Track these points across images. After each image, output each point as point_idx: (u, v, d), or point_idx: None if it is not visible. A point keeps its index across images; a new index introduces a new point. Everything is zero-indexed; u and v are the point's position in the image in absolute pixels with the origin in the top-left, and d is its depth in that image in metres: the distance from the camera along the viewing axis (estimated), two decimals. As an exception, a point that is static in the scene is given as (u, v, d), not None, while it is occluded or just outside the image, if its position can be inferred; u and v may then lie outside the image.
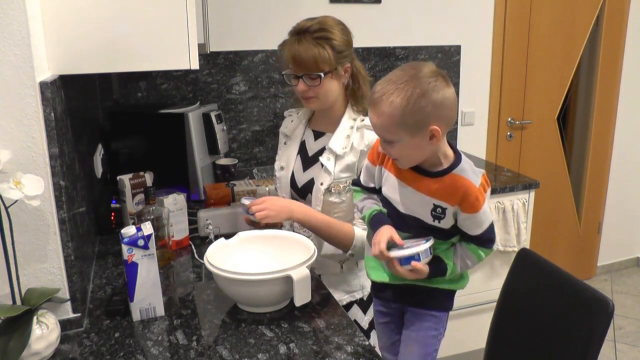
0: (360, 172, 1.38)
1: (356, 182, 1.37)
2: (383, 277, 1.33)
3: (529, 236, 2.45)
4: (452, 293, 1.32)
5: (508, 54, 2.91)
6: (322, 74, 1.44)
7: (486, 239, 1.20)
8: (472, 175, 1.16)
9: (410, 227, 1.20)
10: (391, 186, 1.24)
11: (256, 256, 1.36)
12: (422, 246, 1.14)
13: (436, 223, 1.18)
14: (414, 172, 1.20)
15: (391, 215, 1.24)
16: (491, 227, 1.20)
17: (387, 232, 1.19)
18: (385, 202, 1.26)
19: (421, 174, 1.19)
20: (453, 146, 1.21)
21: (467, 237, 1.21)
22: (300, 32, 1.45)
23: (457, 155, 1.19)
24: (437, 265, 1.20)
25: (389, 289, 1.35)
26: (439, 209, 1.17)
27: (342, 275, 1.60)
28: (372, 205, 1.29)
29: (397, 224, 1.22)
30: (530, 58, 2.98)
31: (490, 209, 1.25)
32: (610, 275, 3.59)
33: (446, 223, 1.18)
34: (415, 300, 1.32)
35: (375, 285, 1.37)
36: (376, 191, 1.30)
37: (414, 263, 1.14)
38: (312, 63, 1.42)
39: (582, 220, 3.41)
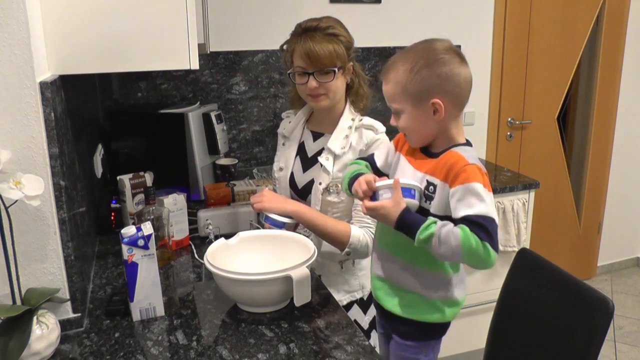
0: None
1: (364, 158, 1.38)
2: (376, 291, 1.34)
3: (529, 236, 2.45)
4: (437, 325, 1.27)
5: (508, 54, 2.91)
6: (336, 69, 1.45)
7: (477, 224, 1.06)
8: (469, 155, 1.13)
9: None
10: (401, 170, 1.25)
11: (256, 256, 1.36)
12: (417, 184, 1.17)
13: (427, 205, 1.17)
14: (423, 154, 1.22)
15: None
16: (487, 219, 1.07)
17: (368, 175, 1.21)
18: None
19: (427, 155, 1.21)
20: (468, 140, 1.20)
21: (459, 222, 1.10)
22: (309, 30, 1.45)
23: (466, 143, 1.19)
24: (414, 214, 1.14)
25: (379, 307, 1.36)
26: (430, 187, 1.16)
27: (342, 275, 1.60)
28: (355, 168, 1.31)
29: None
30: (530, 58, 2.98)
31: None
32: (610, 275, 3.59)
33: (436, 206, 1.15)
34: (396, 328, 1.31)
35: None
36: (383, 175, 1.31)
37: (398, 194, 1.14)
38: (327, 58, 1.43)
39: (582, 220, 3.41)
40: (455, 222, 1.09)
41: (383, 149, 1.37)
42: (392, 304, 1.29)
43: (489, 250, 1.05)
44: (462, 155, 1.13)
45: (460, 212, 1.08)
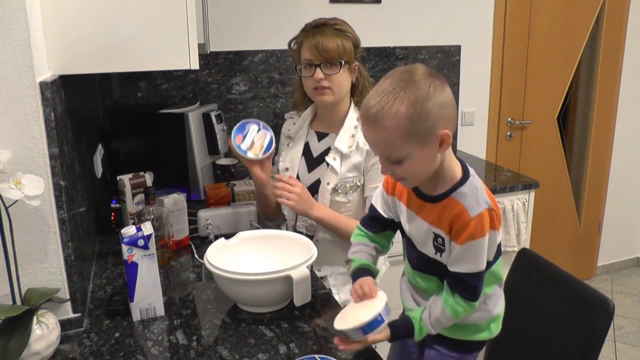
0: (368, 199, 1.35)
1: (364, 222, 1.27)
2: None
3: (529, 236, 2.45)
4: (477, 342, 1.22)
5: (508, 54, 2.91)
6: (342, 62, 1.47)
7: (463, 284, 1.07)
8: (472, 201, 1.04)
9: (422, 262, 1.14)
10: (405, 218, 1.17)
11: (256, 256, 1.36)
12: (379, 304, 1.06)
13: (438, 256, 1.10)
14: (419, 199, 1.11)
15: (409, 252, 1.18)
16: (475, 276, 1.06)
17: (366, 281, 1.13)
18: (404, 236, 1.20)
19: (424, 200, 1.10)
20: (463, 164, 1.10)
21: (447, 279, 1.09)
22: (319, 25, 1.49)
23: (463, 176, 1.08)
24: (402, 323, 1.12)
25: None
26: (439, 239, 1.08)
27: (348, 275, 1.59)
28: (361, 257, 1.22)
29: (413, 259, 1.16)
30: (530, 58, 2.98)
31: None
32: (610, 275, 3.59)
33: (446, 258, 1.09)
34: (439, 341, 1.24)
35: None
36: (393, 224, 1.23)
37: (371, 336, 1.05)
38: (334, 50, 1.46)
39: (582, 220, 3.41)
40: (447, 276, 1.10)
41: (377, 198, 1.25)
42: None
43: (473, 305, 1.09)
44: (464, 205, 1.03)
45: (453, 266, 1.08)
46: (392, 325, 1.10)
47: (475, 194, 1.05)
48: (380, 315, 1.05)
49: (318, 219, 1.51)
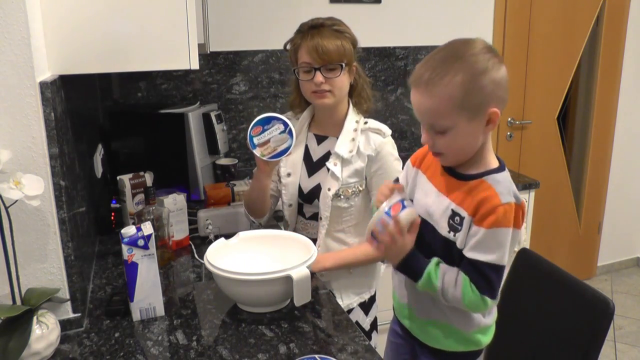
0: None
1: None
2: (403, 319, 1.27)
3: (529, 236, 2.45)
4: (468, 354, 1.21)
5: (508, 54, 2.91)
6: (343, 64, 1.44)
7: (480, 273, 1.04)
8: (504, 189, 1.02)
9: (425, 238, 1.12)
10: (422, 192, 1.15)
11: (256, 256, 1.36)
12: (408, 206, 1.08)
13: (451, 235, 1.07)
14: (448, 174, 1.10)
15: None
16: (495, 269, 1.03)
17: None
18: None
19: (452, 176, 1.09)
20: (500, 159, 1.10)
21: (463, 266, 1.06)
22: (316, 26, 1.45)
23: (499, 167, 1.07)
24: (418, 260, 1.09)
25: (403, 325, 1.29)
26: (457, 218, 1.06)
27: (351, 278, 1.58)
28: None
29: (419, 244, 1.12)
30: (530, 58, 2.98)
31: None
32: (610, 275, 3.59)
33: (461, 239, 1.06)
34: (429, 351, 1.24)
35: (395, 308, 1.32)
36: None
37: (384, 220, 1.05)
38: (335, 53, 1.42)
39: (582, 220, 3.41)
40: (462, 258, 1.07)
41: (404, 172, 1.26)
42: (424, 337, 1.22)
43: (486, 302, 1.06)
44: (495, 190, 1.01)
45: (472, 253, 1.04)
46: (411, 253, 1.09)
47: (509, 185, 1.04)
48: (403, 200, 1.09)
49: (333, 267, 1.49)
